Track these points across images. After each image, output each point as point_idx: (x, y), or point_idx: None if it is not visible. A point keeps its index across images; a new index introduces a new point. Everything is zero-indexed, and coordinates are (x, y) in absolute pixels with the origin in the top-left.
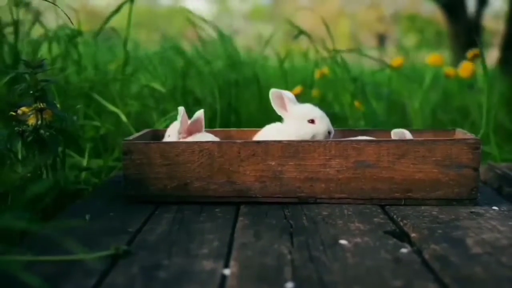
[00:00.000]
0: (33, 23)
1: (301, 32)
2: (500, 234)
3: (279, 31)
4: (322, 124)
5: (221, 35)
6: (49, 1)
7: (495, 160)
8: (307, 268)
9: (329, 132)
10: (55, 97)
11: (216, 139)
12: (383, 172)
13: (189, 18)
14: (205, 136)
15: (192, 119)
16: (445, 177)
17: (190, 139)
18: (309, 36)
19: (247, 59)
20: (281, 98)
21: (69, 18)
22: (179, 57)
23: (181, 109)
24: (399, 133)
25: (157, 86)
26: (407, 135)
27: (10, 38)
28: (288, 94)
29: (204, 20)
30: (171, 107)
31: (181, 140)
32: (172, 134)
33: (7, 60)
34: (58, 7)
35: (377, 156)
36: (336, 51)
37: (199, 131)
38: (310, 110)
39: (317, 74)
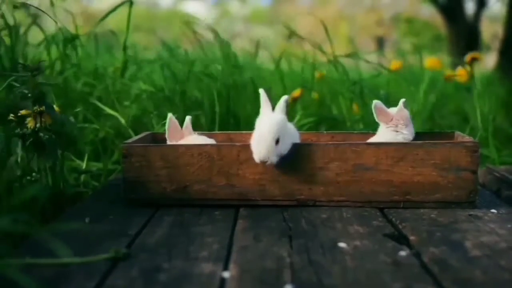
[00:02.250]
0: (31, 26)
1: (294, 34)
2: (499, 237)
3: (277, 34)
4: (254, 151)
5: (219, 38)
6: (43, 11)
7: (494, 163)
8: (306, 271)
9: (261, 161)
10: (54, 100)
11: (211, 140)
12: (382, 175)
13: (189, 22)
14: (197, 139)
15: (184, 125)
16: (444, 180)
17: (182, 142)
18: (304, 39)
19: (246, 62)
20: (264, 102)
21: (73, 18)
22: (178, 61)
23: (168, 116)
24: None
25: (155, 89)
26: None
27: (8, 41)
28: (266, 99)
29: (204, 24)
30: (170, 111)
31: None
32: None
33: (5, 63)
34: (47, 13)
35: (376, 159)
36: (335, 56)
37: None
38: (257, 128)
39: (316, 77)
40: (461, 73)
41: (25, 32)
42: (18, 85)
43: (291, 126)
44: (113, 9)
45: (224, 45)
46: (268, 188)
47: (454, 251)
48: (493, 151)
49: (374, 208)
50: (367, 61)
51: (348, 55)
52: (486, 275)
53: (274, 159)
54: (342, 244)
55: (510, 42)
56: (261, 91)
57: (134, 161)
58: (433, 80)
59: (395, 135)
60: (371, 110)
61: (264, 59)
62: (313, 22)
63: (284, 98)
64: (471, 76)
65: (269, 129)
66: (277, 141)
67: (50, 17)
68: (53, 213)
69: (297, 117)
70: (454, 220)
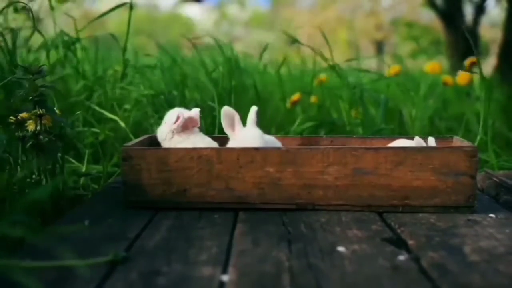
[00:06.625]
0: (32, 30)
1: (295, 41)
2: (497, 241)
3: (277, 39)
4: None
5: (220, 42)
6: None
7: (493, 168)
8: (305, 276)
9: None
10: (54, 103)
11: (214, 143)
12: (381, 179)
13: (189, 25)
14: (202, 138)
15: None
16: (443, 185)
17: (186, 138)
18: (302, 44)
19: (246, 66)
20: (231, 118)
21: (74, 22)
22: (178, 64)
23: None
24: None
25: (155, 93)
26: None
27: (9, 44)
28: (237, 116)
29: (204, 28)
30: None
31: (175, 136)
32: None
33: (5, 66)
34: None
35: (375, 163)
36: (334, 63)
37: (194, 126)
38: (252, 141)
39: (315, 81)
40: (460, 78)
41: (26, 35)
42: (19, 87)
43: (270, 138)
44: (111, 9)
45: (225, 48)
46: (267, 192)
47: (453, 255)
48: (492, 156)
49: (373, 212)
50: (367, 71)
51: (348, 60)
52: (485, 280)
53: None
54: (341, 248)
55: (509, 47)
56: (224, 109)
57: (133, 164)
58: (433, 84)
59: None
60: (371, 114)
61: (264, 62)
62: (312, 25)
63: (253, 109)
64: (470, 80)
65: (265, 140)
66: None
67: (52, 17)
68: (53, 216)
69: (297, 121)
70: (452, 224)
